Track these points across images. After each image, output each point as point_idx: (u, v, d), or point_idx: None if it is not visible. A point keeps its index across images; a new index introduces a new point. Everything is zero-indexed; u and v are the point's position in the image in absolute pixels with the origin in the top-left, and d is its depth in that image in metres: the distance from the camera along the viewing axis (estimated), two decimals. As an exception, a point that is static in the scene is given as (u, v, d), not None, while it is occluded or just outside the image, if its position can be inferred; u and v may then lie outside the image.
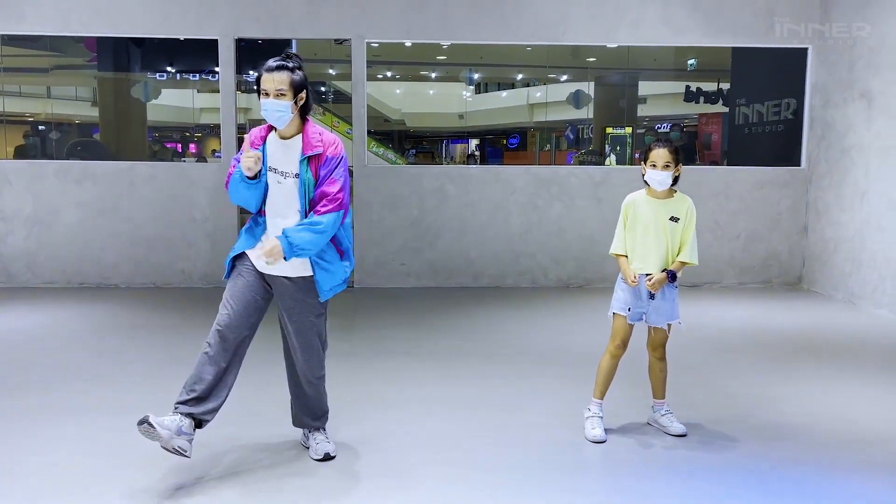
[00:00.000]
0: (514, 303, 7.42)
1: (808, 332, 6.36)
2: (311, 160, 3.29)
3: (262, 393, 4.42)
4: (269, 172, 3.35)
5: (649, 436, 3.87)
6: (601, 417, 3.84)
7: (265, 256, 3.23)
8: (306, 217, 3.28)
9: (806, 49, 8.30)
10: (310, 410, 3.57)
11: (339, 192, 3.28)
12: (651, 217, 3.78)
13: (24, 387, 4.61)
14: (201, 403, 3.22)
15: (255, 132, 3.44)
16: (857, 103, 7.47)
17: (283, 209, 3.34)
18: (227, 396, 3.31)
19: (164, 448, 3.08)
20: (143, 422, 3.04)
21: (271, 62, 3.29)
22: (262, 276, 3.39)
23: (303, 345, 3.41)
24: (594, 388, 3.88)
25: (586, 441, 3.75)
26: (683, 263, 3.76)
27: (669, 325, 3.84)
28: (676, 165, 3.73)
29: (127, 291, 7.83)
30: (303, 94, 3.31)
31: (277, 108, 3.25)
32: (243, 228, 3.48)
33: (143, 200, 8.05)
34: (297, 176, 3.31)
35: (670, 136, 12.91)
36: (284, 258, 3.20)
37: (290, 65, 3.29)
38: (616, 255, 3.88)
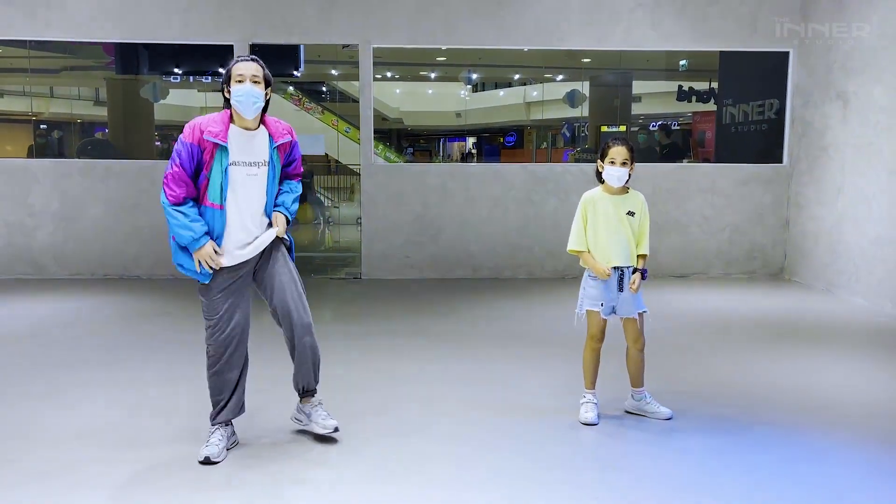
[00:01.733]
0: (512, 293, 7.92)
1: (788, 319, 6.87)
2: (280, 147, 3.58)
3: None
4: (232, 167, 3.44)
5: (643, 422, 4.35)
6: (596, 403, 4.07)
7: (280, 234, 3.59)
8: (275, 199, 3.62)
9: (788, 52, 8.80)
10: (313, 365, 3.71)
11: (300, 164, 3.78)
12: (612, 212, 3.98)
13: (71, 363, 5.10)
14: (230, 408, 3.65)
15: (206, 123, 3.43)
16: (833, 103, 7.98)
17: (256, 199, 3.52)
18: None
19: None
20: (206, 462, 3.43)
21: (243, 55, 3.57)
22: (240, 268, 3.56)
23: (294, 292, 3.61)
24: (584, 380, 4.12)
25: (578, 422, 4.03)
26: (644, 257, 4.03)
27: (641, 315, 4.05)
28: (632, 163, 3.98)
29: (148, 282, 8.31)
30: (269, 91, 3.53)
31: (255, 95, 3.41)
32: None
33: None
34: (266, 163, 3.52)
35: (654, 137, 13.35)
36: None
37: (261, 62, 3.55)
38: (576, 251, 4.06)
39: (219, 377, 3.61)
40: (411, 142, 27.91)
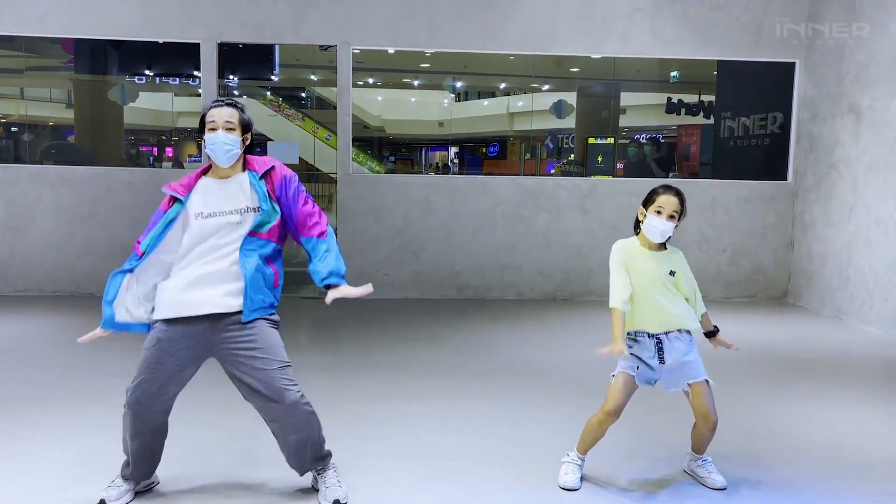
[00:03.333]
0: (500, 315, 7.31)
1: (797, 349, 6.31)
2: (268, 177, 3.16)
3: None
4: (198, 219, 3.06)
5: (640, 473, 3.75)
6: (580, 465, 3.45)
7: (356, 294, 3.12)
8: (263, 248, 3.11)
9: (794, 63, 8.30)
10: (309, 446, 3.16)
11: (315, 207, 3.22)
12: (654, 271, 3.31)
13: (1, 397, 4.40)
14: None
15: (175, 185, 3.15)
16: (845, 118, 7.47)
17: (220, 248, 3.05)
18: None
19: None
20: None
21: (218, 99, 3.22)
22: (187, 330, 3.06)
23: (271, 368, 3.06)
24: (578, 442, 3.46)
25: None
26: (706, 316, 3.43)
27: (707, 382, 3.33)
28: (681, 217, 3.32)
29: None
30: (248, 136, 3.20)
31: (227, 142, 3.09)
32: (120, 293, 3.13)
33: (120, 206, 7.83)
34: (250, 210, 3.09)
35: (643, 150, 12.86)
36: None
37: (239, 105, 3.21)
38: (616, 309, 3.25)
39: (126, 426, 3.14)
40: (393, 150, 27.38)
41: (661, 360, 3.29)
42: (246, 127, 3.18)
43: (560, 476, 3.42)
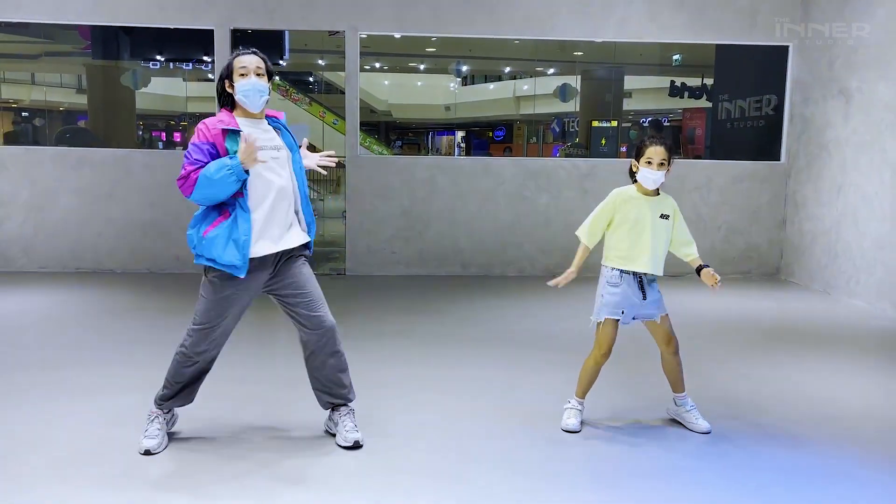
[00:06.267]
0: (502, 290, 7.64)
1: (786, 321, 6.63)
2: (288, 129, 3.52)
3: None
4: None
5: (636, 428, 4.08)
6: (580, 410, 3.84)
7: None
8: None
9: (787, 47, 8.55)
10: (339, 378, 3.53)
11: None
12: (647, 215, 3.69)
13: (29, 366, 4.76)
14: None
15: (211, 121, 3.31)
16: (835, 100, 7.73)
17: (286, 180, 3.37)
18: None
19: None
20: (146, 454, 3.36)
21: (242, 49, 3.43)
22: (257, 275, 3.36)
23: (319, 295, 3.48)
24: (577, 386, 3.86)
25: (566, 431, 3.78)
26: (697, 258, 3.78)
27: (665, 317, 3.79)
28: (670, 164, 3.67)
29: (122, 276, 7.96)
30: (270, 83, 3.43)
31: (261, 88, 3.33)
32: (220, 234, 3.25)
33: (138, 187, 8.18)
34: (286, 148, 3.43)
35: (645, 133, 13.13)
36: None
37: (261, 54, 3.45)
38: (581, 238, 3.78)
39: (182, 370, 3.45)
40: (400, 135, 27.62)
41: (644, 297, 3.73)
42: (270, 74, 3.42)
43: (563, 420, 3.82)
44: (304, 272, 3.48)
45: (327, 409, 3.63)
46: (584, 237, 3.80)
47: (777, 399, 4.43)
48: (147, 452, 3.35)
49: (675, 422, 3.94)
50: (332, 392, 3.56)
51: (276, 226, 3.36)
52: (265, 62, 3.40)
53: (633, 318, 3.76)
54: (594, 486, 3.22)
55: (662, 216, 3.72)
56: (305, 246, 3.53)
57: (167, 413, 3.53)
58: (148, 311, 6.39)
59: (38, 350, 5.17)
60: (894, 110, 6.81)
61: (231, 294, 3.34)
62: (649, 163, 3.64)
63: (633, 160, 3.75)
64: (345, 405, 3.59)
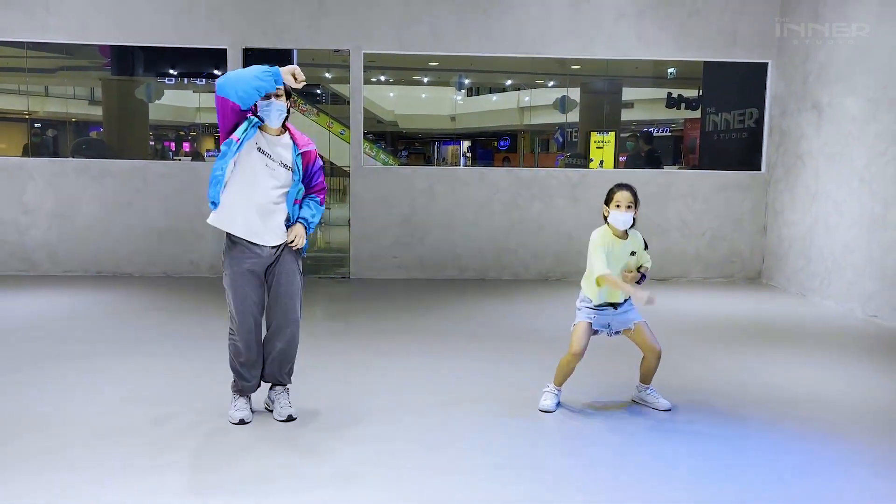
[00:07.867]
0: (496, 293, 8.14)
1: (762, 322, 7.10)
2: (303, 155, 3.95)
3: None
4: (258, 153, 3.80)
5: (626, 412, 4.58)
6: (556, 394, 4.33)
7: (298, 241, 3.92)
8: (296, 197, 3.95)
9: (766, 63, 9.05)
10: (284, 360, 4.07)
11: (323, 181, 4.11)
12: (621, 255, 4.19)
13: (65, 356, 5.29)
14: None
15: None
16: (808, 113, 8.22)
17: (269, 191, 3.83)
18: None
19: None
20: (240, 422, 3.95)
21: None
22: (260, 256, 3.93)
23: (292, 289, 4.00)
24: (554, 376, 4.35)
25: (553, 411, 4.28)
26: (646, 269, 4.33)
27: (646, 324, 4.28)
28: (636, 206, 4.16)
29: (140, 280, 8.51)
30: (289, 102, 3.95)
31: (280, 108, 3.84)
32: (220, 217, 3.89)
33: (155, 196, 8.74)
34: (289, 168, 3.88)
35: (639, 144, 13.59)
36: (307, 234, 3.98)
37: None
38: (601, 272, 4.09)
39: (231, 353, 4.03)
40: (406, 145, 28.12)
41: (615, 307, 4.26)
42: (288, 94, 3.92)
43: (540, 401, 4.33)
44: (289, 269, 3.99)
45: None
46: (601, 270, 4.11)
47: (736, 384, 4.91)
48: (241, 421, 3.94)
49: (639, 403, 4.47)
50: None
51: (254, 215, 3.86)
52: (282, 84, 3.81)
53: (616, 333, 4.28)
54: (563, 454, 3.72)
55: (632, 253, 4.24)
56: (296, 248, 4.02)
57: (241, 394, 4.06)
58: (165, 311, 6.92)
59: (73, 343, 5.70)
60: (860, 123, 7.30)
61: (237, 270, 3.89)
62: (618, 206, 4.14)
63: (604, 206, 4.25)
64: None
